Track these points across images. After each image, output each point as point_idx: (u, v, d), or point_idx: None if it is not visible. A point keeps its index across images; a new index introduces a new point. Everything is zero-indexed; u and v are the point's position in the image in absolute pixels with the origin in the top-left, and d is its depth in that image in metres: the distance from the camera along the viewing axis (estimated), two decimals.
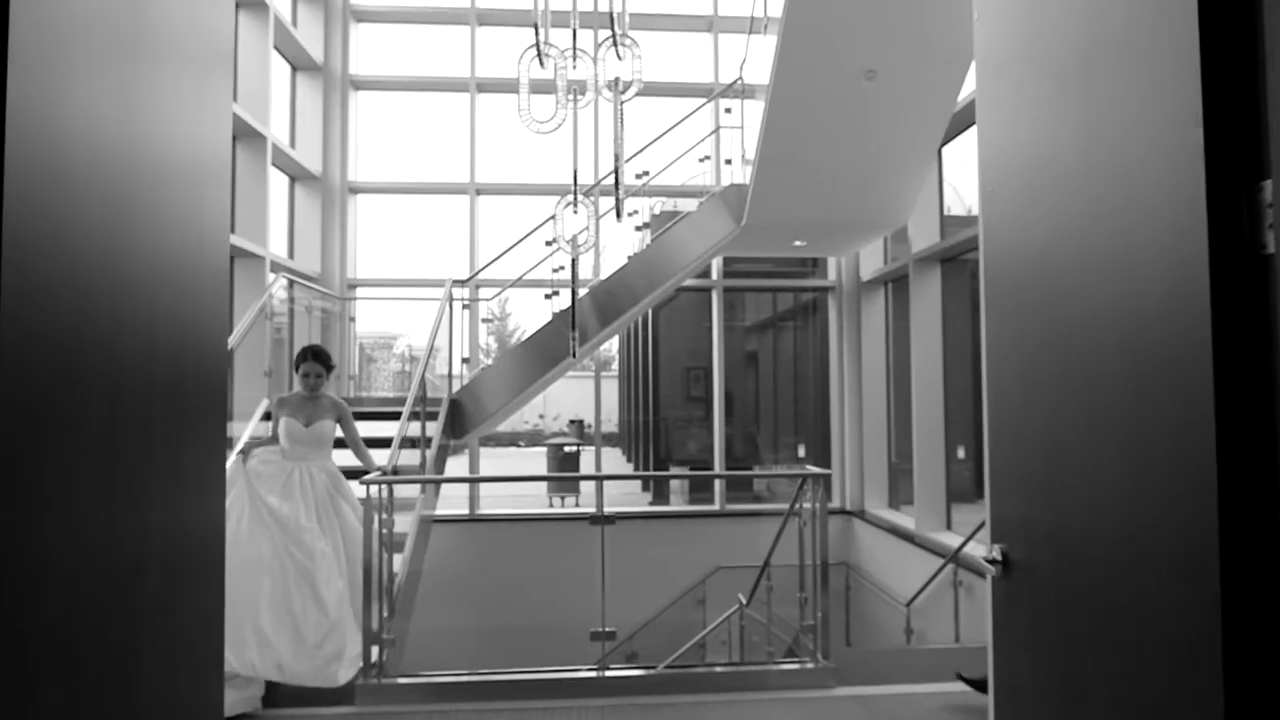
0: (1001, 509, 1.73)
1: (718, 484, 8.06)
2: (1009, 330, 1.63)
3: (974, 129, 6.35)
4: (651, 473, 10.36)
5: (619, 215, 4.72)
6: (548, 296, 6.36)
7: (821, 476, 3.86)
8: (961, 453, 6.74)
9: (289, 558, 3.47)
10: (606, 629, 3.81)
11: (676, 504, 9.66)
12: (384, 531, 3.70)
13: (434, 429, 5.55)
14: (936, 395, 6.54)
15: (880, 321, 7.93)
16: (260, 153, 6.37)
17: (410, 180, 7.99)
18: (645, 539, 7.77)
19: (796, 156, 5.44)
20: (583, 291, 6.36)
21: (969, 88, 5.78)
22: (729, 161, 6.64)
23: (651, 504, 9.73)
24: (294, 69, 7.60)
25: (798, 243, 6.99)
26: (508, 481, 12.74)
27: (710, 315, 8.28)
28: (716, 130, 7.34)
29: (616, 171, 4.63)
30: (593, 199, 4.93)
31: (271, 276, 6.11)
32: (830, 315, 8.37)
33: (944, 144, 6.42)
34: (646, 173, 6.52)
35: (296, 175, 7.56)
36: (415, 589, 4.78)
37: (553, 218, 5.61)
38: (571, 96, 4.75)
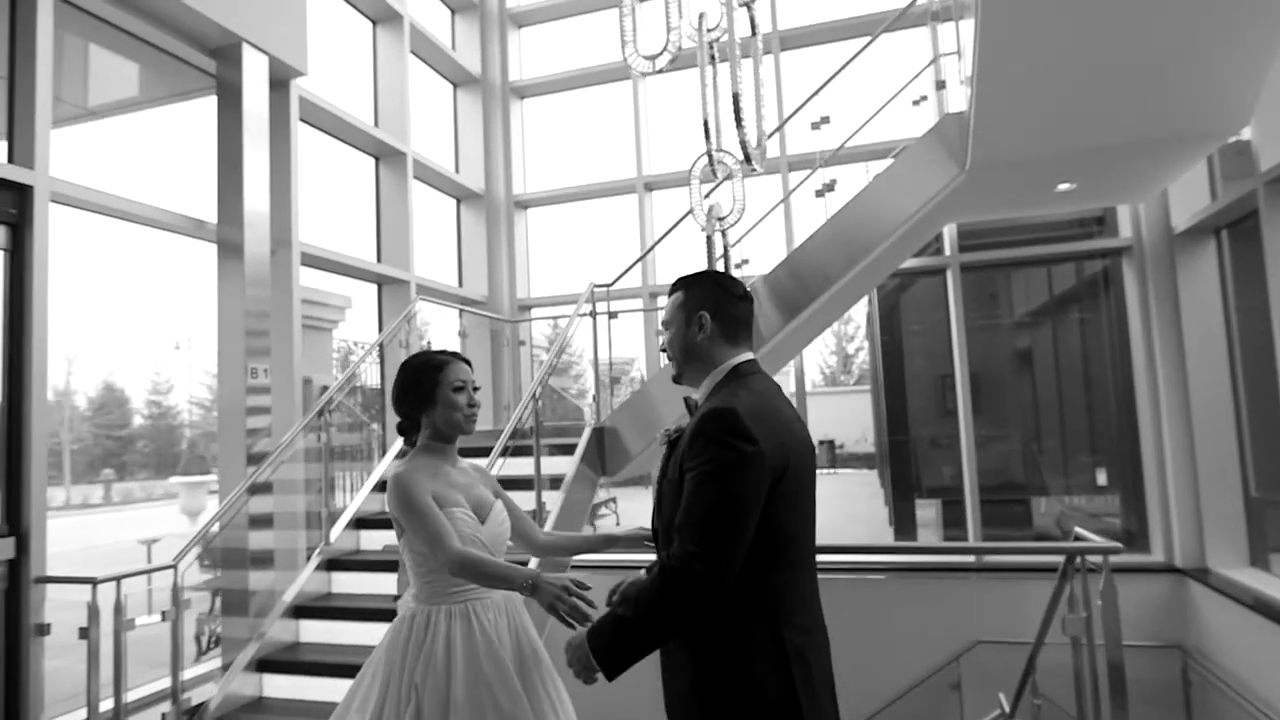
0: None
1: (971, 526, 6.09)
2: None
3: None
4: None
5: (747, 157, 3.35)
6: None
7: (1103, 551, 2.12)
8: None
9: None
10: None
11: (926, 545, 7.67)
12: None
13: (568, 465, 4.55)
14: None
15: (1210, 289, 5.43)
16: (401, 172, 5.98)
17: (576, 185, 7.24)
18: (880, 597, 6.05)
19: (1039, 44, 3.57)
20: (752, 272, 5.02)
21: None
22: (941, 85, 4.87)
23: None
24: (455, 86, 7.28)
25: (1062, 186, 4.92)
26: None
27: (946, 303, 6.37)
28: (935, 59, 5.54)
29: (735, 99, 3.28)
30: (744, 160, 3.60)
31: (417, 301, 5.62)
32: (1128, 288, 5.99)
33: None
34: (826, 119, 4.99)
35: (461, 196, 7.19)
36: None
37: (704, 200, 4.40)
38: (692, 24, 3.53)
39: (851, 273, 4.81)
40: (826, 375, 32.54)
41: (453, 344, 6.30)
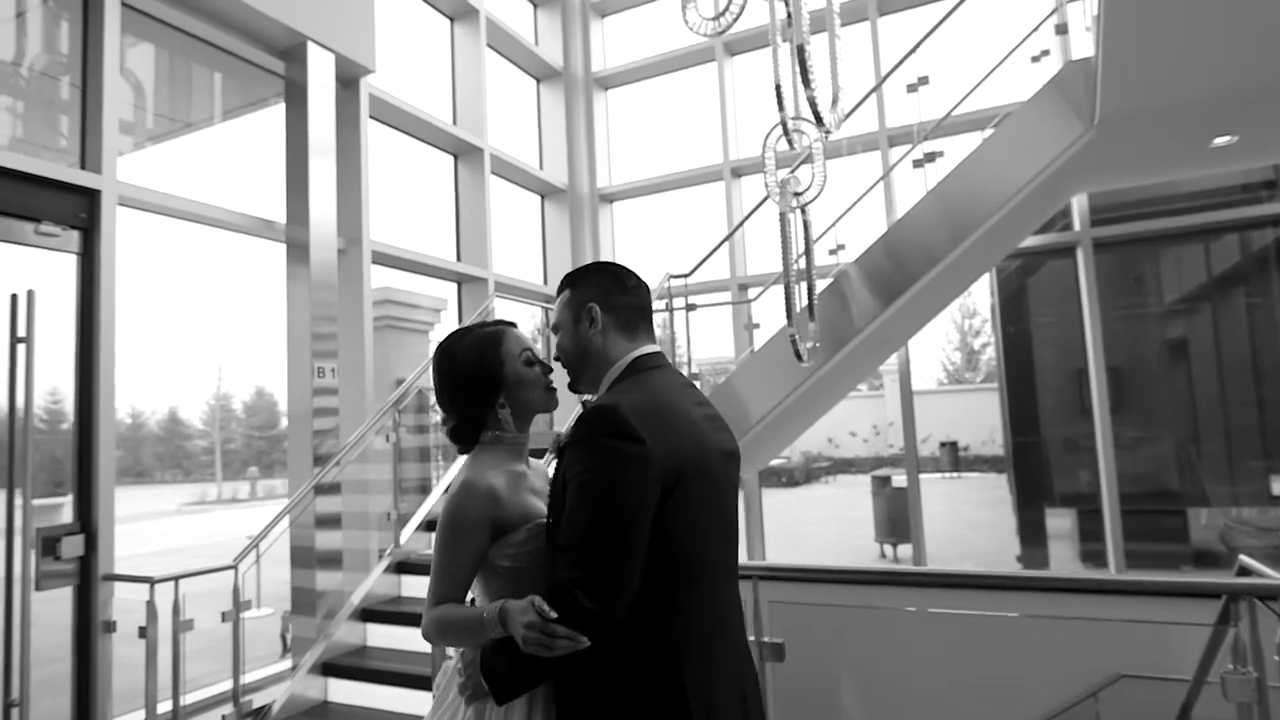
0: None
1: (1111, 544, 5.32)
2: None
3: None
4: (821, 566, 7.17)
5: (818, 119, 2.93)
6: (796, 282, 4.66)
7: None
8: None
9: None
10: None
11: (1059, 562, 6.81)
12: None
13: None
14: None
15: None
16: (479, 169, 5.90)
17: (661, 176, 6.94)
18: (1000, 623, 5.36)
19: None
20: (849, 259, 4.56)
21: None
22: (1062, 29, 4.21)
23: (1019, 559, 7.04)
24: (538, 81, 7.17)
25: (1219, 140, 4.15)
26: None
27: (1077, 285, 5.61)
28: (1060, 5, 4.85)
29: (800, 52, 2.86)
30: (816, 122, 3.18)
31: (493, 298, 5.52)
32: None
33: None
34: (924, 80, 4.44)
35: (545, 192, 7.07)
36: None
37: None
38: None
39: (957, 250, 4.26)
40: (950, 372, 30.64)
41: (535, 345, 6.15)
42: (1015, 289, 7.81)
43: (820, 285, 4.69)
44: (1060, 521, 7.34)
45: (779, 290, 5.54)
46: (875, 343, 4.92)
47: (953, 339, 30.61)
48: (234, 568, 3.41)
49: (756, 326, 5.95)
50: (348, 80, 4.60)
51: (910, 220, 4.36)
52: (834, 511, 12.84)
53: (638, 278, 1.49)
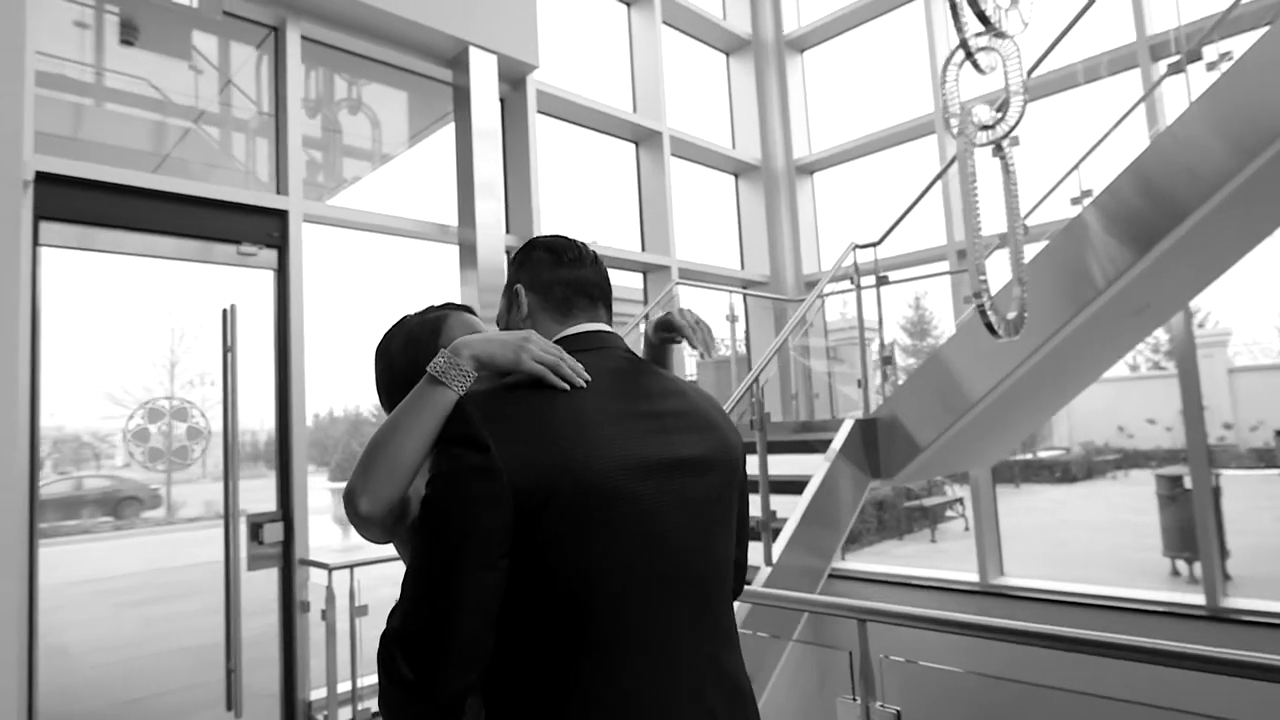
0: None
1: None
2: None
3: None
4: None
5: (983, 20, 2.27)
6: (988, 246, 3.83)
7: None
8: None
9: None
10: None
11: None
12: None
13: (816, 465, 3.76)
14: None
15: None
16: (659, 154, 5.71)
17: (864, 137, 6.23)
18: None
19: None
20: (1080, 205, 3.66)
21: None
22: None
23: None
24: (727, 55, 6.83)
25: None
26: None
27: None
28: None
29: None
30: (985, 28, 2.52)
31: (675, 285, 5.31)
32: None
33: None
34: None
35: (738, 172, 6.71)
36: None
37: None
38: None
39: (1247, 171, 3.18)
40: None
41: (721, 329, 5.83)
42: None
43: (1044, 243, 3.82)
44: None
45: (1003, 254, 4.64)
46: (1130, 307, 3.89)
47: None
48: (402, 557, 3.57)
49: (977, 297, 5.06)
50: (515, 80, 4.66)
51: (1171, 138, 3.33)
52: (1118, 515, 10.79)
53: (581, 250, 1.19)
